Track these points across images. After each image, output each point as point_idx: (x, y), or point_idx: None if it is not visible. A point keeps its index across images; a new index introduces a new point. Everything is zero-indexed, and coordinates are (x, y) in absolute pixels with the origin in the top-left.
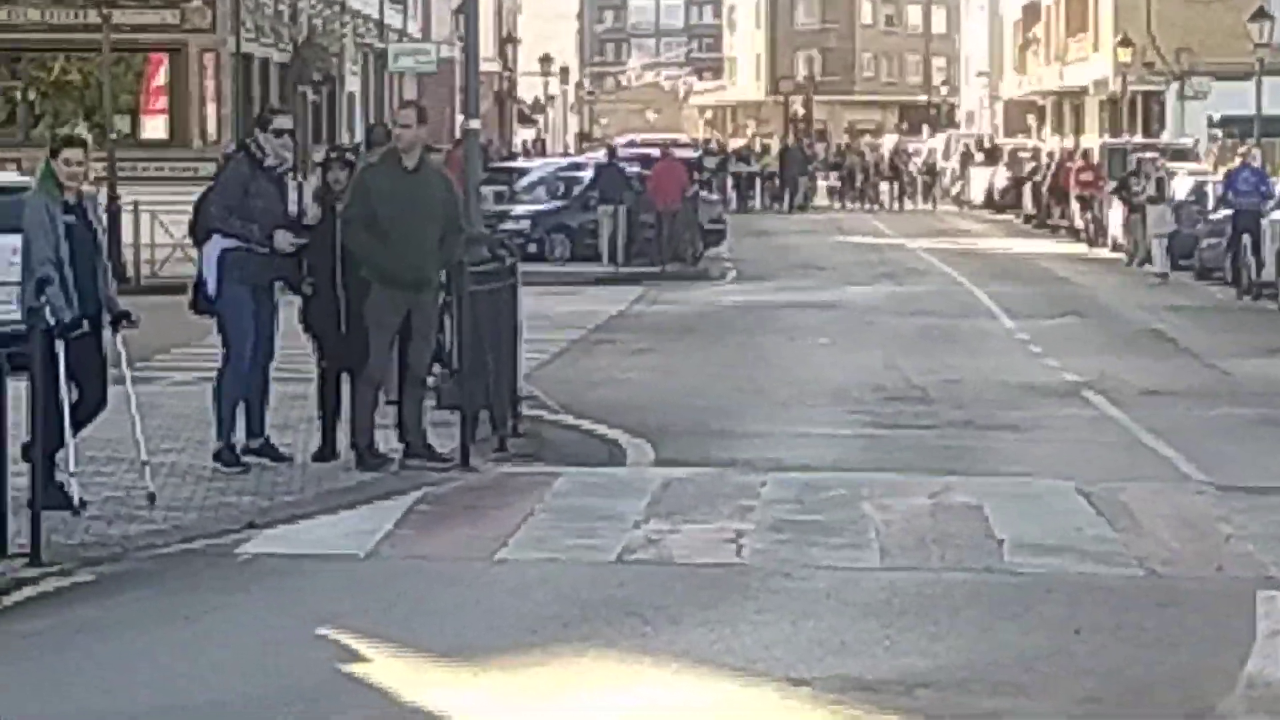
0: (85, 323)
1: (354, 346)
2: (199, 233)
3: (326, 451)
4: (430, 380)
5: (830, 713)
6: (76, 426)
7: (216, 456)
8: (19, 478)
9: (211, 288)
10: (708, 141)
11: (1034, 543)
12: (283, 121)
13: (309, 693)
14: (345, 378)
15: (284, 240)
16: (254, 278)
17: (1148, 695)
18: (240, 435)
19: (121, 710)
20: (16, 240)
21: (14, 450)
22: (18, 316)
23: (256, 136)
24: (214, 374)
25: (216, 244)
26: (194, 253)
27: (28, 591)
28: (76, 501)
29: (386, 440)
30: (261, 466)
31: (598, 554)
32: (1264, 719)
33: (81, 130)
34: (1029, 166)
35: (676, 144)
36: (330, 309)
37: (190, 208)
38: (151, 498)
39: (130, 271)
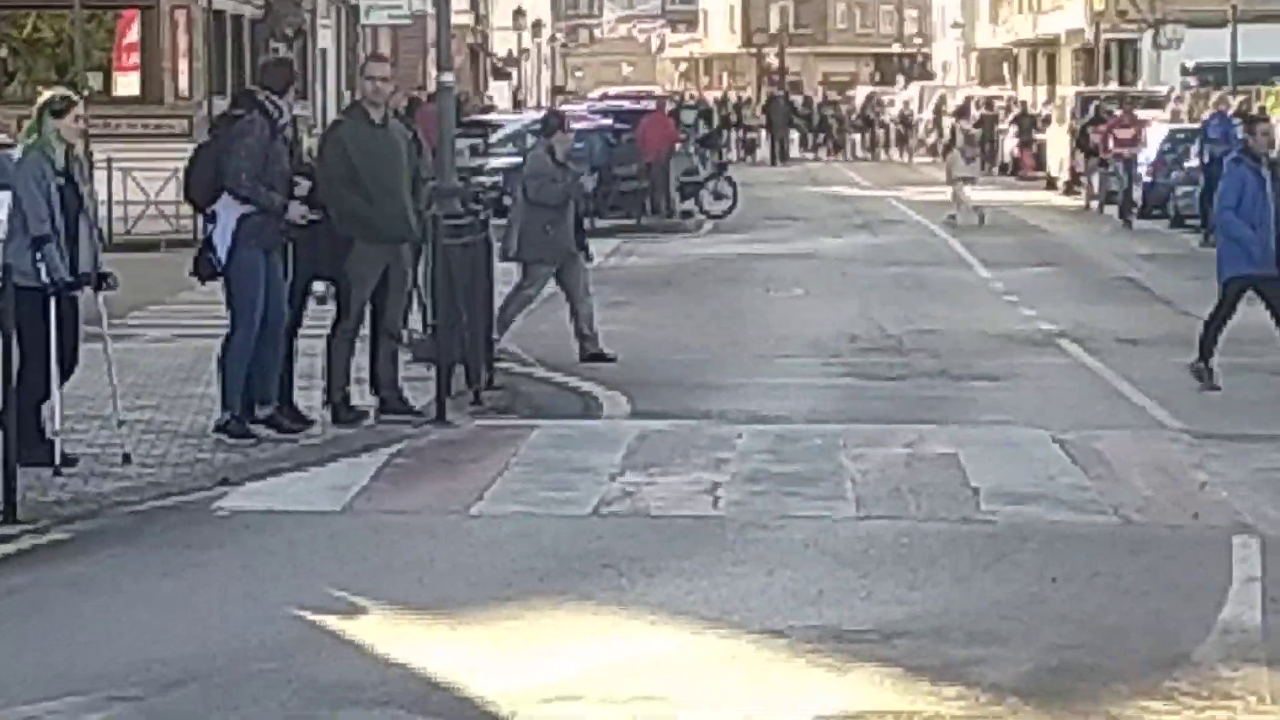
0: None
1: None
2: (202, 192)
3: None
4: (403, 335)
5: (807, 662)
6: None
7: (221, 429)
8: None
9: (222, 252)
10: (694, 98)
11: (1010, 491)
12: (294, 84)
13: (286, 647)
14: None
15: (296, 213)
16: (268, 243)
17: (1123, 642)
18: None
19: (101, 665)
20: None
21: None
22: None
23: (272, 97)
24: (218, 339)
25: (231, 208)
26: (167, 210)
27: (4, 549)
28: (59, 460)
29: (361, 395)
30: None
31: (574, 507)
32: (1239, 665)
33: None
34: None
35: (651, 96)
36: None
37: (165, 165)
38: (126, 457)
39: (103, 228)
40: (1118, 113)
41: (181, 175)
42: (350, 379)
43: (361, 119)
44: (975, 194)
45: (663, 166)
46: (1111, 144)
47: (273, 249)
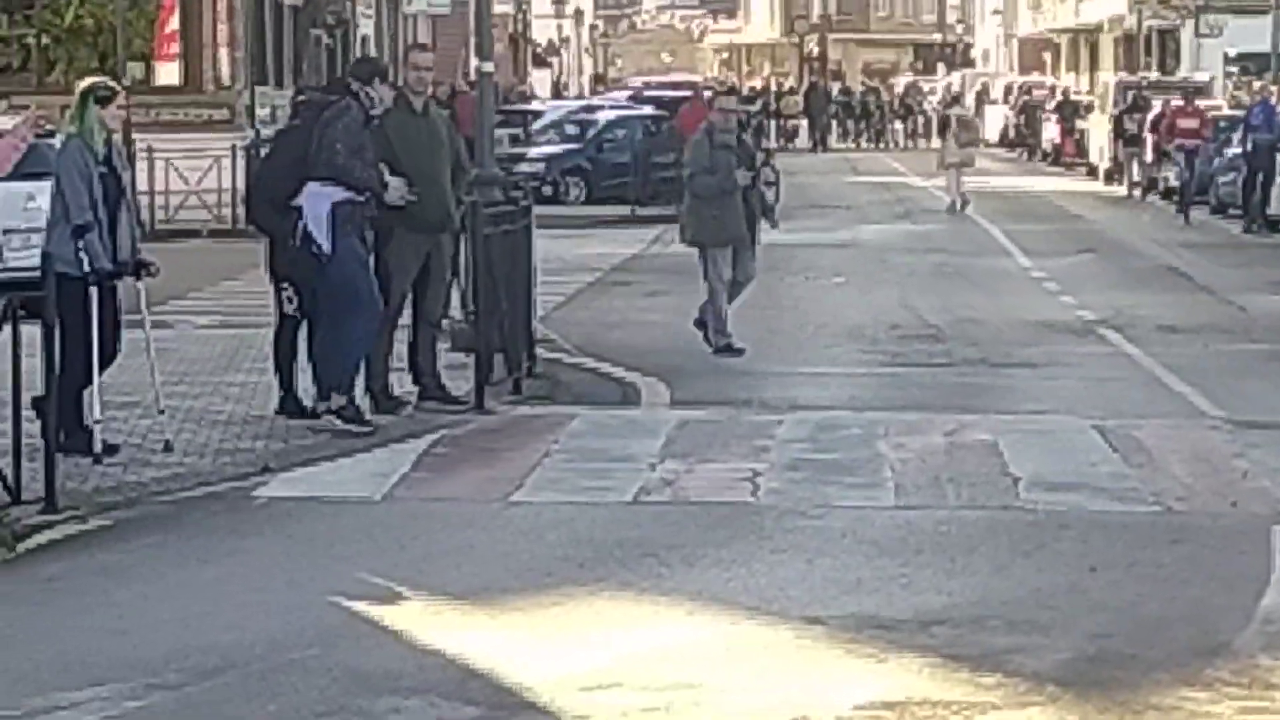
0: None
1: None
2: (283, 184)
3: (289, 403)
4: (444, 323)
5: (845, 651)
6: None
7: (338, 412)
8: (32, 424)
9: (326, 244)
10: (732, 85)
11: (1049, 480)
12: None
13: (325, 635)
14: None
15: (396, 193)
16: (358, 230)
17: (1163, 631)
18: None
19: (139, 653)
20: (30, 187)
21: (27, 397)
22: (32, 263)
23: (365, 88)
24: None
25: (321, 197)
26: (208, 198)
27: (45, 536)
28: (99, 448)
29: (401, 383)
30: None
31: (613, 495)
32: None
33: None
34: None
35: (692, 85)
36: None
37: (206, 154)
38: (167, 445)
39: (145, 217)
40: (1157, 104)
41: (242, 164)
42: (390, 367)
43: (403, 108)
44: (968, 180)
45: None
46: (1171, 134)
47: (363, 236)
